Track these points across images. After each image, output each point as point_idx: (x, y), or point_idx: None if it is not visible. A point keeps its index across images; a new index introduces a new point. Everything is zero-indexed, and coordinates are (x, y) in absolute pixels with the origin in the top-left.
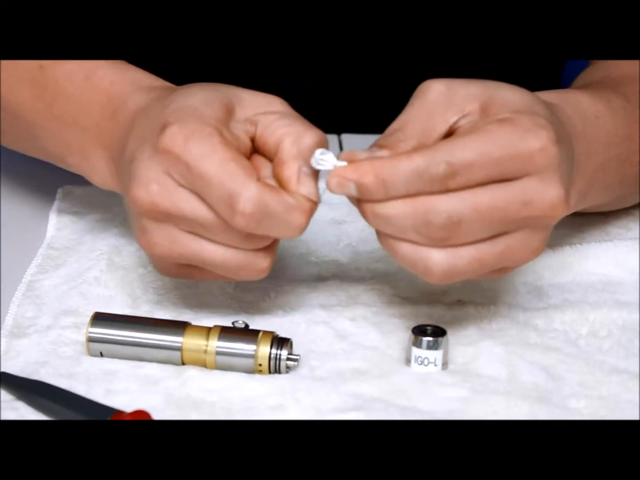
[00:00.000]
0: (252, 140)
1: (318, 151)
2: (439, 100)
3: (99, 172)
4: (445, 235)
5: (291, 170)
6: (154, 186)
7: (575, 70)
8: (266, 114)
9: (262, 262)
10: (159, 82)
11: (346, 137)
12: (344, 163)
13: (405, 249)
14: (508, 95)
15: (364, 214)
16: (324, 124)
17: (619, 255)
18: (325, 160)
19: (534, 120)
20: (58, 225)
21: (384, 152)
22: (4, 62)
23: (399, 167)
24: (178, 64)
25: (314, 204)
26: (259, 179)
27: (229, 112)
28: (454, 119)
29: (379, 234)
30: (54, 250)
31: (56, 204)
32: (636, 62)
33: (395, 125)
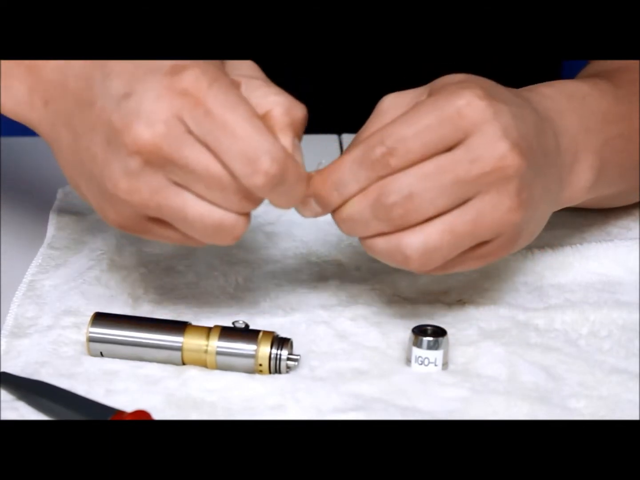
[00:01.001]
0: None
1: None
2: (390, 106)
3: (12, 96)
4: (403, 211)
5: (285, 140)
6: (161, 127)
7: (575, 70)
8: (250, 78)
9: (240, 228)
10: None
11: (346, 137)
12: None
13: (379, 243)
14: (450, 76)
15: (336, 223)
16: (324, 124)
17: (620, 255)
18: None
19: (458, 86)
20: (58, 225)
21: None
22: None
23: (341, 165)
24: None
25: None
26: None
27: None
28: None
29: (360, 239)
30: (54, 250)
31: (56, 204)
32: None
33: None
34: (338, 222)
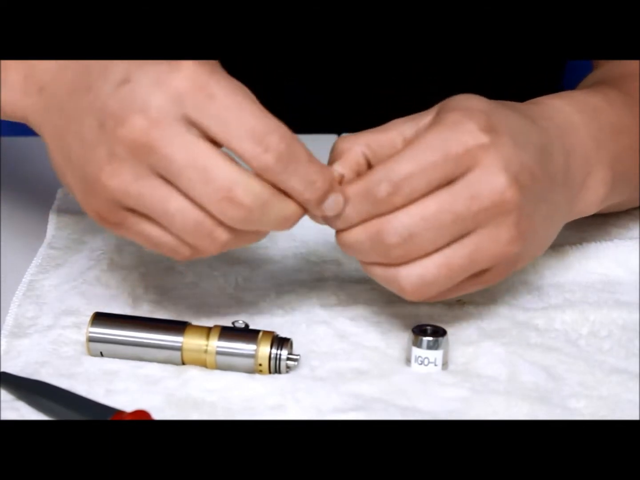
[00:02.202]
0: None
1: None
2: (399, 118)
3: (10, 84)
4: (403, 252)
5: None
6: (155, 115)
7: (577, 71)
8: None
9: (223, 235)
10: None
11: None
12: None
13: (376, 271)
14: (459, 100)
15: (340, 244)
16: (324, 124)
17: (619, 255)
18: None
19: (461, 114)
20: (58, 225)
21: (337, 166)
22: None
23: (346, 194)
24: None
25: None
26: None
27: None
28: (409, 131)
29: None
30: (54, 250)
31: (56, 203)
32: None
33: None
34: (339, 244)
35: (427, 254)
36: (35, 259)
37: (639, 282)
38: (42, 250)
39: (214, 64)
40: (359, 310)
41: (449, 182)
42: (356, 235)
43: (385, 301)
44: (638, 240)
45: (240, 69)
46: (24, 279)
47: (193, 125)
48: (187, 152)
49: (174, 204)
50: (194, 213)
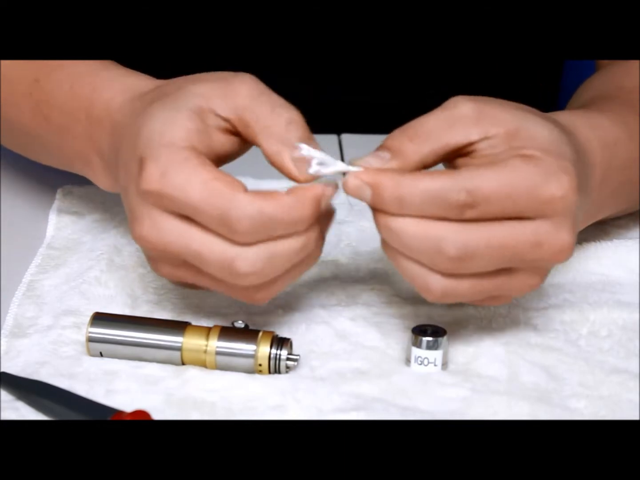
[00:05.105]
0: (229, 128)
1: (315, 158)
2: (465, 115)
3: (100, 178)
4: (452, 266)
5: (285, 164)
6: (149, 223)
7: (575, 70)
8: (247, 108)
9: (257, 294)
10: (141, 80)
11: (346, 137)
12: (353, 168)
13: (408, 264)
14: (536, 128)
15: (376, 223)
16: (323, 123)
17: (619, 255)
18: (326, 164)
19: (559, 164)
20: (58, 225)
21: (386, 155)
22: (3, 79)
23: (418, 186)
24: (174, 66)
25: (323, 188)
26: (245, 190)
27: (200, 116)
28: (475, 137)
29: (384, 242)
30: (54, 250)
31: (56, 203)
32: None
33: (410, 124)
34: (381, 224)
35: (467, 275)
36: (35, 259)
37: (639, 282)
38: (42, 251)
39: (164, 152)
40: (359, 310)
41: (518, 216)
42: (412, 227)
43: (385, 301)
44: (638, 240)
45: (240, 69)
46: (24, 279)
47: (179, 214)
48: (178, 240)
49: (204, 283)
50: (221, 287)
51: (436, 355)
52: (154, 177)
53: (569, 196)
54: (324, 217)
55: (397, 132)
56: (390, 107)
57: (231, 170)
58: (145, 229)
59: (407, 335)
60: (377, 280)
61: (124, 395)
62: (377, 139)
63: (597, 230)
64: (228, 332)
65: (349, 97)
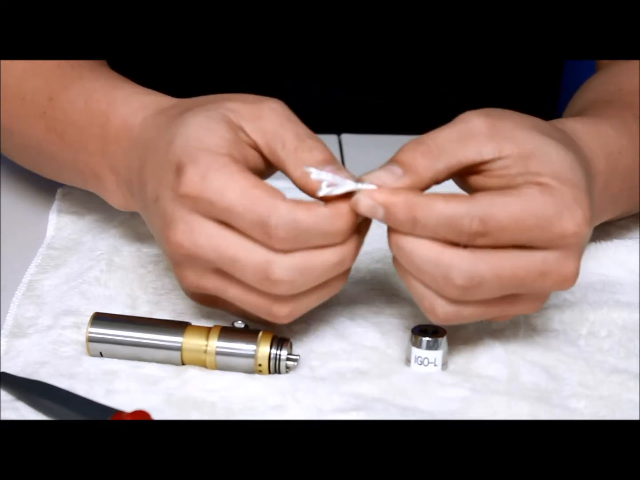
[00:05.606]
0: (256, 149)
1: (324, 180)
2: (480, 132)
3: (113, 196)
4: (459, 293)
5: (310, 185)
6: (184, 228)
7: (575, 70)
8: (266, 128)
9: (281, 309)
10: (159, 97)
11: (346, 137)
12: (364, 186)
13: (417, 285)
14: (550, 151)
15: (389, 240)
16: (323, 123)
17: (619, 255)
18: (337, 185)
19: (574, 195)
20: (58, 225)
21: (398, 170)
22: (15, 97)
23: (433, 209)
24: (177, 69)
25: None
26: (284, 198)
27: (233, 129)
28: (488, 156)
29: (395, 259)
30: (54, 250)
31: (56, 204)
32: None
33: (422, 138)
34: (393, 243)
35: (473, 301)
36: (35, 259)
37: (638, 282)
38: (42, 251)
39: (204, 156)
40: (359, 310)
41: (528, 245)
42: (424, 249)
43: (385, 301)
44: (638, 240)
45: (241, 69)
46: (23, 279)
47: (216, 219)
48: (212, 245)
49: (231, 293)
50: (249, 297)
51: (436, 355)
52: (193, 181)
53: (582, 232)
54: (360, 232)
55: (409, 146)
56: (391, 107)
57: None
58: (179, 233)
59: (407, 335)
60: (377, 280)
61: (124, 395)
62: (377, 139)
63: (597, 230)
64: (228, 332)
65: (349, 97)
